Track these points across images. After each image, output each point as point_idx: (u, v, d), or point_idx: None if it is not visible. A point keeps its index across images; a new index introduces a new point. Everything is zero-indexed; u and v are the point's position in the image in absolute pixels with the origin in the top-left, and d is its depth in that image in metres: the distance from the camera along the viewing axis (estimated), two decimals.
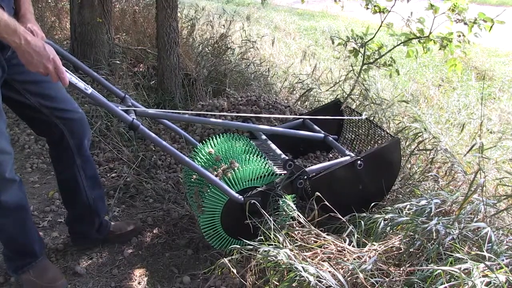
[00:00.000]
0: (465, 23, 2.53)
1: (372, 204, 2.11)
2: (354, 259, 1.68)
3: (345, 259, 1.70)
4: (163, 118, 2.15)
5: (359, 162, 2.08)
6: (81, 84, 1.67)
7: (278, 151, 2.15)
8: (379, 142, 2.39)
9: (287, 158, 2.05)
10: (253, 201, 1.93)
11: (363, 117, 2.49)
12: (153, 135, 1.82)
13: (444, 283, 1.44)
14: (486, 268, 1.44)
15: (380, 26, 2.96)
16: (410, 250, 1.70)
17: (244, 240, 1.85)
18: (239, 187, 1.97)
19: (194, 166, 1.90)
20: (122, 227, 2.28)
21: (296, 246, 1.75)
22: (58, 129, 1.87)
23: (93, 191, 2.07)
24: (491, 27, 2.46)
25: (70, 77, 1.62)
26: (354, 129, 2.62)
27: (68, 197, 2.11)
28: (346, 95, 3.16)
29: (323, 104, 3.07)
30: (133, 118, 1.77)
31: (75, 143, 1.93)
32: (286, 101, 3.75)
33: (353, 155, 2.18)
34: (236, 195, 1.94)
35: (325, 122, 2.50)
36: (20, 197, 1.79)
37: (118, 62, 4.01)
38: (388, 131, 2.45)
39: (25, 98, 1.78)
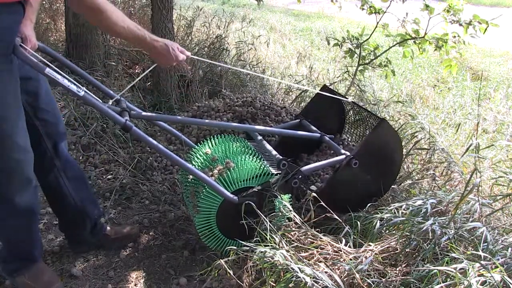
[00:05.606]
0: (460, 24, 2.54)
1: (373, 198, 2.12)
2: (351, 259, 1.68)
3: (342, 259, 1.70)
4: (157, 120, 2.14)
5: (354, 161, 2.07)
6: (73, 87, 1.66)
7: (274, 152, 2.15)
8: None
9: (281, 157, 2.04)
10: (248, 201, 1.93)
11: (349, 99, 2.42)
12: (146, 136, 1.80)
13: (440, 283, 1.45)
14: (482, 267, 1.45)
15: (376, 26, 2.97)
16: (406, 250, 1.71)
17: (240, 241, 1.84)
18: (234, 187, 1.97)
19: (187, 167, 1.89)
20: (118, 231, 2.24)
21: (292, 247, 1.75)
22: (36, 129, 1.82)
23: (80, 193, 2.03)
24: (486, 29, 2.48)
25: (62, 79, 1.61)
26: (359, 123, 2.52)
27: (55, 203, 2.07)
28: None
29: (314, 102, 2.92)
30: (126, 120, 1.75)
31: (51, 144, 1.89)
32: (282, 102, 3.76)
33: (348, 153, 2.17)
34: (231, 195, 1.93)
35: (324, 120, 2.48)
36: (33, 202, 1.76)
37: (113, 63, 4.00)
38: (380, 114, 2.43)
39: None
